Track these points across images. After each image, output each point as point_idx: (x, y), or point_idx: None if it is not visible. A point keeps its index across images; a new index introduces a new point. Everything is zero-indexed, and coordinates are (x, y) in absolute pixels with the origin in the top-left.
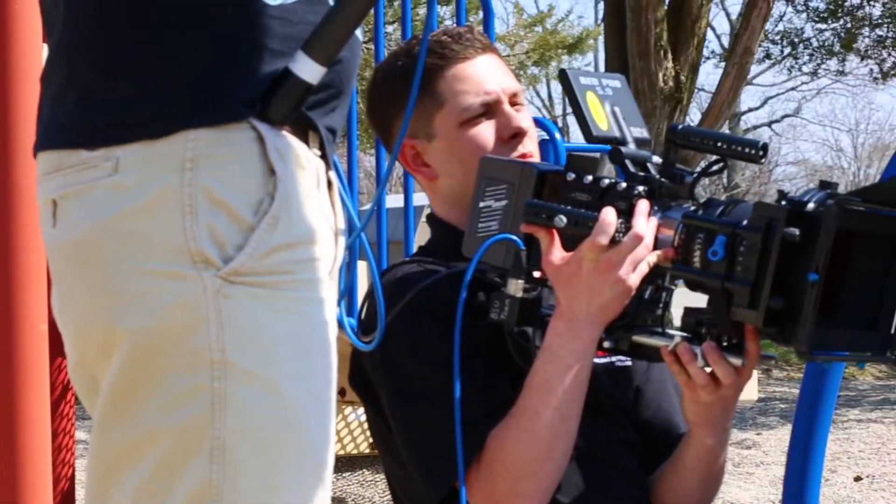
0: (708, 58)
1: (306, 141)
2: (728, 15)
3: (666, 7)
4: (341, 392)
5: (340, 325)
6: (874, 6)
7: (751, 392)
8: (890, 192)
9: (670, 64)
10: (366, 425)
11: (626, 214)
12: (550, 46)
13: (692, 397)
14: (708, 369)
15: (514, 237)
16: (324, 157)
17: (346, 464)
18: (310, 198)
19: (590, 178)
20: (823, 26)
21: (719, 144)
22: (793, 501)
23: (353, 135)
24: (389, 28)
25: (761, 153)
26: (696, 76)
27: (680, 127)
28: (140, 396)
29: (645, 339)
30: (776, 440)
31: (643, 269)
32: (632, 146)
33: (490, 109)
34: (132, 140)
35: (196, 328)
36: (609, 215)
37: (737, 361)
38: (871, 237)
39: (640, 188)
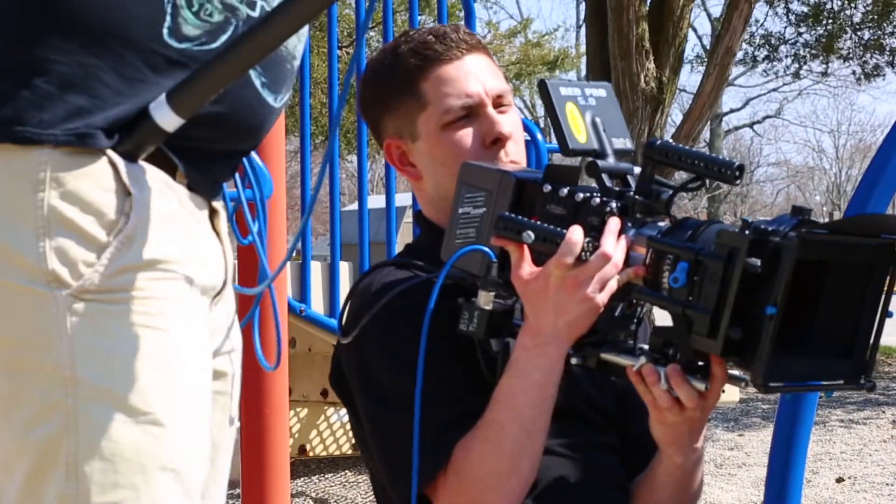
0: (690, 61)
1: (173, 174)
2: (709, 16)
3: (647, 8)
4: (324, 393)
5: (320, 324)
6: (855, 9)
7: (733, 393)
8: (858, 226)
9: (652, 65)
10: (348, 426)
11: (599, 230)
12: (531, 62)
13: (657, 418)
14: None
15: (487, 248)
16: (195, 190)
17: (328, 465)
18: (172, 220)
19: (565, 191)
20: (804, 29)
21: (696, 163)
22: (775, 502)
23: (335, 137)
24: (371, 32)
25: (737, 174)
26: (677, 77)
27: (658, 143)
28: (12, 409)
29: (612, 357)
30: (758, 441)
31: (612, 286)
32: (611, 159)
33: (472, 112)
34: None
35: (49, 345)
36: (575, 234)
37: (700, 386)
38: (843, 266)
39: (614, 204)
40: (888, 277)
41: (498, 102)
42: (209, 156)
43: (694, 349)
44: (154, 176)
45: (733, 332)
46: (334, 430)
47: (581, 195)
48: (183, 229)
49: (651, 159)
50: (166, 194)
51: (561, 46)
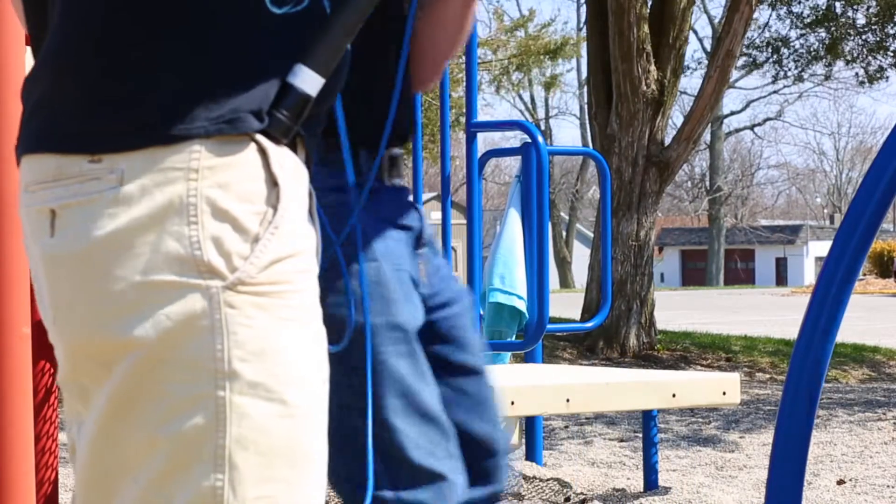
0: (691, 68)
1: (295, 151)
2: (710, 18)
3: (648, 10)
4: None
5: None
6: (857, 11)
7: (733, 396)
8: None
9: (653, 67)
10: None
11: None
12: (532, 52)
13: None
14: None
15: None
16: (308, 167)
17: None
18: (304, 210)
19: None
20: (807, 32)
21: None
22: None
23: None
24: None
25: None
26: (678, 79)
27: None
28: (143, 406)
29: None
30: (759, 443)
31: None
32: None
33: None
34: (137, 147)
35: (201, 338)
36: None
37: None
38: None
39: None
40: None
41: None
42: (315, 120)
43: None
44: (293, 162)
45: None
46: None
47: None
48: (307, 214)
49: None
50: (300, 179)
51: (562, 36)
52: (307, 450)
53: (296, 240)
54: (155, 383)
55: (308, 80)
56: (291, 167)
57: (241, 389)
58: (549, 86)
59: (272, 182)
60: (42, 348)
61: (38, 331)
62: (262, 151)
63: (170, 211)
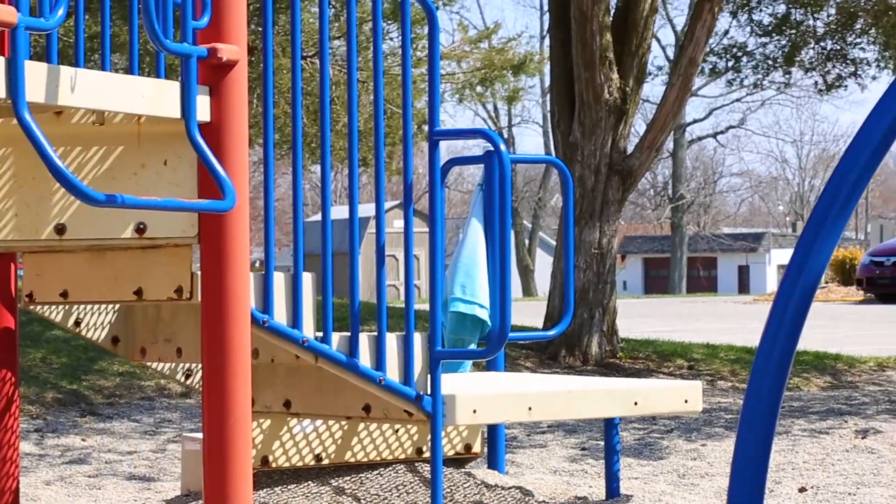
0: (654, 76)
1: None
2: (673, 26)
3: (611, 19)
4: (286, 404)
5: (283, 334)
6: (818, 20)
7: (695, 404)
8: None
9: (615, 75)
10: (311, 437)
11: None
12: (496, 67)
13: None
14: None
15: None
16: None
17: (291, 476)
18: None
19: None
20: (767, 40)
21: None
22: None
23: (298, 148)
24: (335, 43)
25: None
26: (640, 87)
27: None
28: None
29: None
30: (721, 451)
31: None
32: None
33: None
34: None
35: None
36: None
37: None
38: None
39: None
40: None
41: None
42: None
43: None
44: None
45: None
46: (297, 442)
47: None
48: None
49: None
50: None
51: (525, 51)
52: None
53: None
54: None
55: None
56: None
57: None
58: (511, 99)
59: None
60: (2, 358)
61: None
62: None
63: None
